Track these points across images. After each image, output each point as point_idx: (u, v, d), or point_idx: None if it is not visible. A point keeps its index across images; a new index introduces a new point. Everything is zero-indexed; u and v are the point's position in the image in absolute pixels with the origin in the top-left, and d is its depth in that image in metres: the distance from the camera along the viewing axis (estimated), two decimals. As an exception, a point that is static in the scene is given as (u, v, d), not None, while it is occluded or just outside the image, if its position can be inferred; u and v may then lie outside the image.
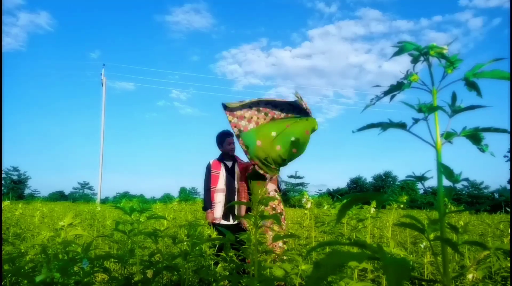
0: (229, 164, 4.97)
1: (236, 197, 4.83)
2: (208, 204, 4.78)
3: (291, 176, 71.89)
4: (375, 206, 3.02)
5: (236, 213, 4.76)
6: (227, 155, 4.98)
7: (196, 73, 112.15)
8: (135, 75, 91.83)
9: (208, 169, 4.91)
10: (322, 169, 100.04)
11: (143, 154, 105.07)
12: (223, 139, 4.97)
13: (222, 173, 4.89)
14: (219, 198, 4.81)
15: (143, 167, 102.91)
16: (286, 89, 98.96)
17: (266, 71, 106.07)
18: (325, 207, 3.35)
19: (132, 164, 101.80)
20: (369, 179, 73.57)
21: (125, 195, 57.42)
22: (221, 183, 4.85)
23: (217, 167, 4.92)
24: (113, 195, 63.14)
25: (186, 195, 57.47)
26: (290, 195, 61.49)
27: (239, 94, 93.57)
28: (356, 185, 69.92)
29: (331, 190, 69.99)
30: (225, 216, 4.80)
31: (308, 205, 3.17)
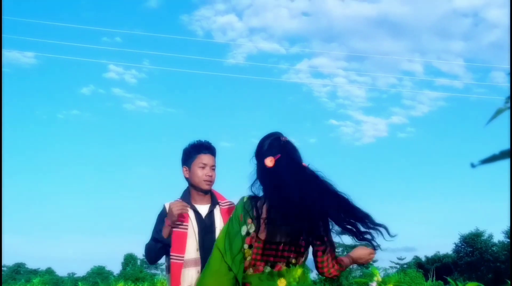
0: (204, 209, 2.59)
1: None
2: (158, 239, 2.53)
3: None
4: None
5: None
6: (198, 191, 2.59)
7: (155, 32, 53.74)
8: (38, 36, 46.48)
9: (162, 219, 2.54)
10: (403, 218, 48.42)
11: (53, 194, 52.95)
12: (193, 156, 2.58)
13: (192, 228, 2.51)
14: (188, 279, 2.45)
15: (53, 219, 53.18)
16: (330, 62, 47.93)
17: (291, 27, 51.35)
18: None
19: (31, 213, 51.78)
20: (497, 235, 35.89)
21: (18, 271, 34.66)
22: (190, 248, 2.48)
23: (181, 216, 2.50)
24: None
25: (136, 269, 32.74)
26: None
27: (238, 72, 49.22)
28: (472, 248, 34.56)
29: (423, 258, 36.80)
30: None
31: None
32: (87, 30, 45.65)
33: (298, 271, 2.17)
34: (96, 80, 51.24)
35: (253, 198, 2.09)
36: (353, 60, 52.36)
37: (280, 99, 52.62)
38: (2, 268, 35.54)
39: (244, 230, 2.04)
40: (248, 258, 2.03)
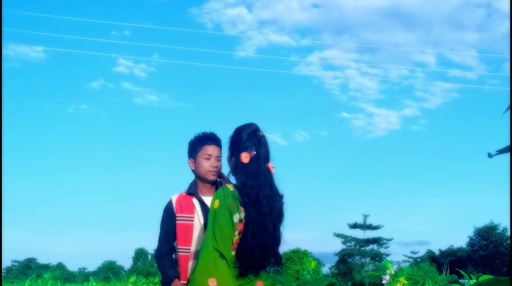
0: (210, 200, 2.43)
1: None
2: (170, 270, 2.50)
3: (355, 226, 33.95)
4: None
5: None
6: (205, 183, 2.57)
7: (164, 25, 51.77)
8: (47, 30, 46.59)
9: (169, 213, 2.56)
10: (417, 211, 51.34)
11: (62, 189, 54.26)
12: (198, 147, 2.56)
13: (198, 220, 2.49)
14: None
15: (63, 214, 53.42)
16: (341, 54, 47.43)
17: (302, 19, 50.34)
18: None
19: (41, 209, 50.93)
20: None
21: (29, 266, 34.48)
22: (197, 239, 2.48)
23: (187, 208, 2.51)
24: (6, 265, 34.41)
25: (147, 264, 32.76)
26: (354, 265, 31.69)
27: (248, 65, 49.46)
28: (487, 241, 34.24)
29: (437, 252, 36.36)
30: None
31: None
32: (96, 24, 46.01)
33: (313, 264, 2.46)
34: (105, 74, 51.37)
35: (237, 187, 2.18)
36: (364, 52, 51.98)
37: (291, 92, 52.50)
38: (14, 263, 36.95)
39: (236, 217, 2.12)
40: (234, 241, 2.16)
